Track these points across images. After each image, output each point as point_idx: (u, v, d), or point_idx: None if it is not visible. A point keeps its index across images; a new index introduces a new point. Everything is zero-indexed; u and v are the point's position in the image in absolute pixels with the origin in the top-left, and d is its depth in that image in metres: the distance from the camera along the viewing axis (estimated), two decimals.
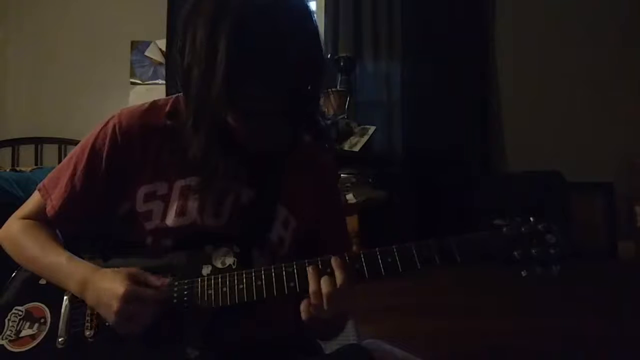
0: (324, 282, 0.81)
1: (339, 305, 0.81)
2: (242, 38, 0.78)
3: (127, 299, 0.82)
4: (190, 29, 0.82)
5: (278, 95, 0.81)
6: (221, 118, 0.84)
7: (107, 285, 0.84)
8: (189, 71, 0.83)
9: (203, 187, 0.92)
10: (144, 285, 0.85)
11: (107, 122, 0.96)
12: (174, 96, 0.99)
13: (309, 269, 0.82)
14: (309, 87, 0.84)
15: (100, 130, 0.96)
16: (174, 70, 0.89)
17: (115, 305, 0.82)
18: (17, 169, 3.29)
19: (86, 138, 0.98)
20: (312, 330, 0.94)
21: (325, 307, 0.80)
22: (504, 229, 0.83)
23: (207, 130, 0.85)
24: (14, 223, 1.00)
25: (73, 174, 0.96)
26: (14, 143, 3.83)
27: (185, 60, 0.83)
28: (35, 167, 3.49)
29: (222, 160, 0.87)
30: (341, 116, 3.42)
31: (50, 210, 0.97)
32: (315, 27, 0.86)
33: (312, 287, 0.81)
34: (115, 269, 0.87)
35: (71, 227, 0.98)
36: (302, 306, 0.82)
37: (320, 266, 0.82)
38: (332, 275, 0.81)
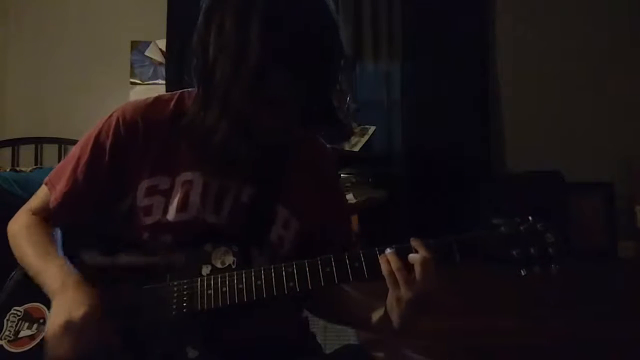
0: (411, 256, 0.81)
1: (428, 277, 0.81)
2: (273, 24, 0.80)
3: (65, 325, 0.82)
4: (215, 20, 0.84)
5: (306, 81, 0.83)
6: (248, 108, 0.84)
7: (62, 307, 0.85)
8: (214, 61, 0.84)
9: (220, 180, 0.93)
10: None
11: (111, 115, 0.97)
12: (178, 92, 1.00)
13: (387, 250, 0.82)
14: (332, 73, 0.87)
15: (104, 123, 0.97)
16: (183, 61, 0.89)
17: (56, 321, 0.83)
18: (17, 169, 3.29)
19: (90, 131, 0.98)
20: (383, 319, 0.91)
21: (417, 276, 0.80)
22: (503, 228, 0.83)
23: (232, 120, 0.85)
24: (22, 215, 1.01)
25: (76, 166, 0.96)
26: (14, 143, 3.83)
27: (211, 51, 0.84)
28: (35, 167, 3.49)
29: (244, 150, 0.88)
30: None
31: (53, 202, 0.97)
32: (334, 10, 0.88)
33: (396, 264, 0.81)
34: (85, 291, 0.86)
35: (73, 219, 0.99)
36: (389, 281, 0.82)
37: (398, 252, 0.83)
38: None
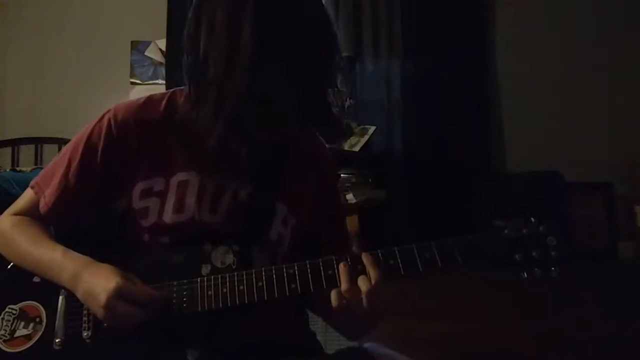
0: (361, 280, 0.80)
1: (374, 303, 0.79)
2: (266, 20, 0.78)
3: (116, 294, 0.81)
4: (206, 15, 0.82)
5: (300, 77, 0.81)
6: (242, 105, 0.82)
7: (99, 279, 0.83)
8: (205, 58, 0.82)
9: (217, 179, 0.91)
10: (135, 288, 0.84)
11: (103, 117, 0.94)
12: (169, 91, 0.98)
13: (340, 266, 0.81)
14: (326, 69, 0.85)
15: (95, 124, 0.94)
16: (181, 60, 0.87)
17: (103, 299, 0.81)
18: (17, 169, 3.29)
19: (80, 133, 0.95)
20: (342, 328, 0.94)
21: (364, 303, 0.79)
22: (505, 230, 0.82)
23: (226, 118, 0.83)
24: (6, 219, 0.98)
25: (67, 170, 0.93)
26: (14, 143, 3.82)
27: (202, 47, 0.82)
28: (35, 167, 3.49)
29: (241, 150, 0.86)
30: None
31: (43, 207, 0.94)
32: (329, 6, 0.87)
33: (344, 285, 0.80)
34: (110, 265, 0.86)
35: (65, 224, 0.96)
36: (335, 304, 0.80)
37: (350, 263, 0.81)
38: (364, 272, 0.81)
